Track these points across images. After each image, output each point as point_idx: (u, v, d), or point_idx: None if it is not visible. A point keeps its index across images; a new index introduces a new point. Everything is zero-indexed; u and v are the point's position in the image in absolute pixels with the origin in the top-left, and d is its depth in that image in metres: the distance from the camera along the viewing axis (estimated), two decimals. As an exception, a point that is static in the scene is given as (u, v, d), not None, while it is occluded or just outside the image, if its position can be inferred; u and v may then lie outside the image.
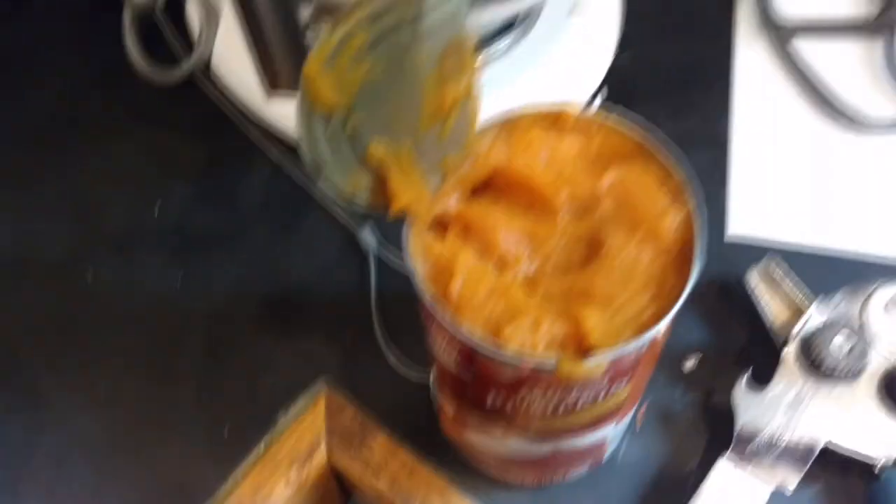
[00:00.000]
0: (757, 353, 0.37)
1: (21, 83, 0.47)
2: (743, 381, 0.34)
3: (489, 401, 0.27)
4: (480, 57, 0.25)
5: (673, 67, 0.46)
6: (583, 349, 0.24)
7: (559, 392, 0.25)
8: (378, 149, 0.23)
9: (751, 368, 0.35)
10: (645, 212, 0.26)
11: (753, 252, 0.39)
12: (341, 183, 0.24)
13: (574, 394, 0.25)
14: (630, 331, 0.24)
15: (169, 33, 0.46)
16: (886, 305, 0.35)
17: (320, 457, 0.34)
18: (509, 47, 0.44)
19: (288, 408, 0.35)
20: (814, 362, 0.34)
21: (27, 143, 0.45)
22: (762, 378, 0.35)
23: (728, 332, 0.38)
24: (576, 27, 0.45)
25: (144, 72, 0.46)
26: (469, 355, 0.25)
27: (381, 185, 0.24)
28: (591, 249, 0.26)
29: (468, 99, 0.25)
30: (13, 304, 0.41)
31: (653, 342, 0.25)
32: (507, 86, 0.43)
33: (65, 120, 0.46)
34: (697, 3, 0.48)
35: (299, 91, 0.21)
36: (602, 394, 0.26)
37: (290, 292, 0.41)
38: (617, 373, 0.25)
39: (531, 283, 0.26)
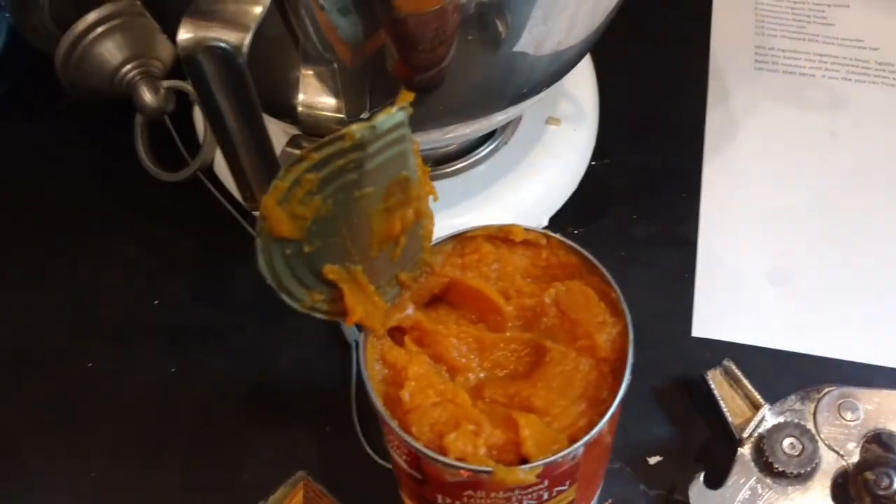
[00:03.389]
0: (718, 449, 0.38)
1: (31, 178, 0.51)
2: (698, 480, 0.36)
3: (440, 499, 0.28)
4: (432, 184, 0.28)
5: (646, 172, 0.49)
6: (519, 456, 0.26)
7: (502, 494, 0.27)
8: (332, 271, 0.26)
9: (706, 468, 0.36)
10: (583, 324, 0.28)
11: (718, 350, 0.41)
12: (301, 298, 0.26)
13: (516, 495, 0.27)
14: (563, 439, 0.26)
15: (176, 137, 0.50)
16: (837, 407, 0.36)
17: (297, 543, 0.36)
18: (492, 152, 0.47)
19: (268, 497, 0.37)
20: (767, 462, 0.35)
21: (33, 237, 0.49)
22: (722, 474, 0.36)
23: (692, 429, 0.40)
24: (554, 134, 0.48)
25: (152, 172, 0.49)
26: (416, 458, 0.27)
27: (338, 299, 0.27)
28: (537, 358, 0.29)
29: (418, 223, 0.27)
30: (14, 392, 0.43)
31: (591, 448, 0.27)
32: (489, 187, 0.46)
33: (70, 214, 0.49)
34: (670, 112, 0.51)
35: (258, 223, 0.24)
36: (545, 495, 0.28)
37: (275, 383, 0.43)
38: (554, 477, 0.27)
39: (479, 388, 0.28)
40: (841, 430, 0.36)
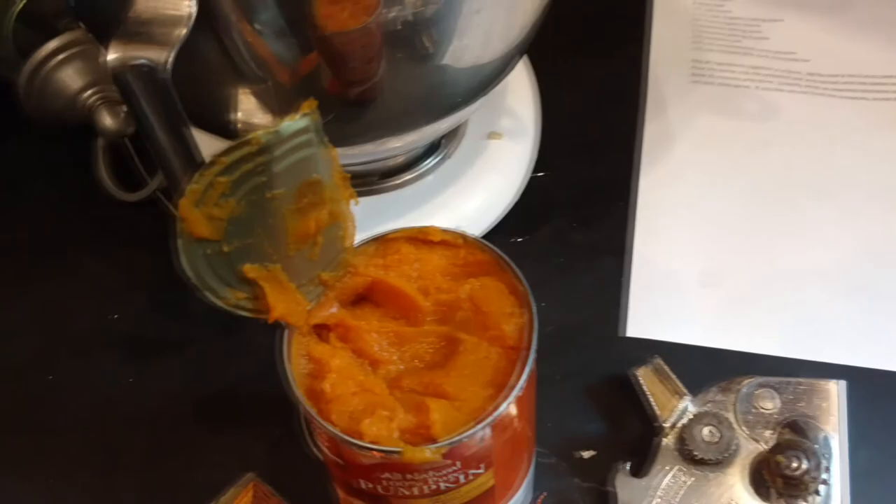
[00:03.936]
0: (647, 441, 0.40)
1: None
2: (624, 469, 0.38)
3: (363, 484, 0.30)
4: (353, 189, 0.30)
5: (585, 183, 0.51)
6: (430, 439, 0.28)
7: (417, 475, 0.29)
8: (252, 269, 0.28)
9: (632, 457, 0.38)
10: (493, 316, 0.30)
11: (650, 348, 0.43)
12: (224, 296, 0.28)
13: (431, 477, 0.29)
14: (471, 422, 0.28)
15: (136, 158, 0.52)
16: (755, 397, 0.38)
17: (245, 540, 0.38)
18: (436, 166, 0.49)
19: (219, 499, 0.39)
20: (687, 450, 0.37)
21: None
22: (648, 464, 0.38)
23: (624, 424, 0.42)
24: (496, 148, 0.50)
25: (112, 192, 0.52)
26: (336, 444, 0.29)
27: (260, 297, 0.29)
28: (452, 349, 0.31)
29: (334, 224, 0.29)
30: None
31: (500, 431, 0.29)
32: (434, 198, 0.48)
33: (35, 233, 0.51)
34: (609, 125, 0.53)
35: (177, 224, 0.26)
36: (461, 478, 0.30)
37: (230, 391, 0.45)
38: (465, 459, 0.29)
39: (398, 379, 0.30)
40: (758, 418, 0.38)
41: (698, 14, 0.59)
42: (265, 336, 0.45)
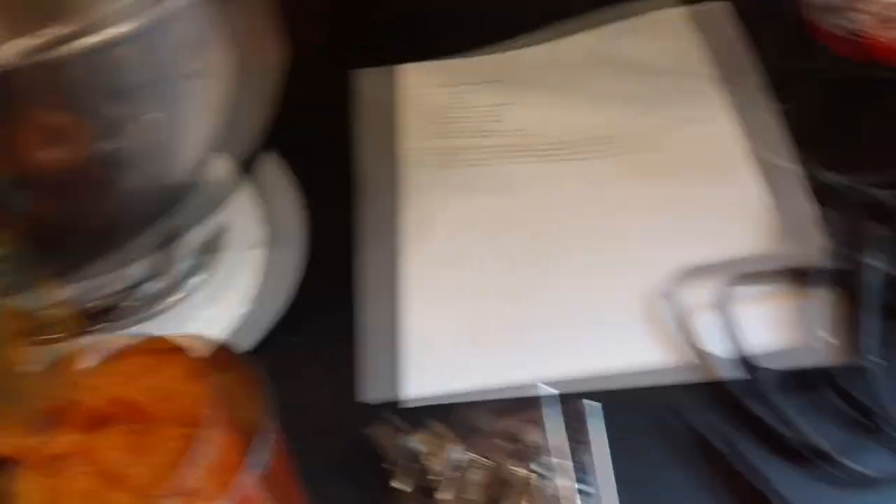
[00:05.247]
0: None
1: None
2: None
3: None
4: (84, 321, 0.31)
5: (346, 274, 0.53)
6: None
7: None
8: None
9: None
10: (230, 409, 0.31)
11: (385, 411, 0.45)
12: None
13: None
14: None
15: None
16: (518, 429, 0.41)
17: None
18: (203, 282, 0.50)
19: None
20: (464, 499, 0.39)
21: None
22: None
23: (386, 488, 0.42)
24: (261, 258, 0.52)
25: None
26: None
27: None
28: (192, 447, 0.31)
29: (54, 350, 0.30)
30: None
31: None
32: (204, 313, 0.50)
33: None
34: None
35: None
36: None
37: None
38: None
39: (146, 488, 0.30)
40: (522, 448, 0.41)
41: (443, 105, 0.64)
42: None
